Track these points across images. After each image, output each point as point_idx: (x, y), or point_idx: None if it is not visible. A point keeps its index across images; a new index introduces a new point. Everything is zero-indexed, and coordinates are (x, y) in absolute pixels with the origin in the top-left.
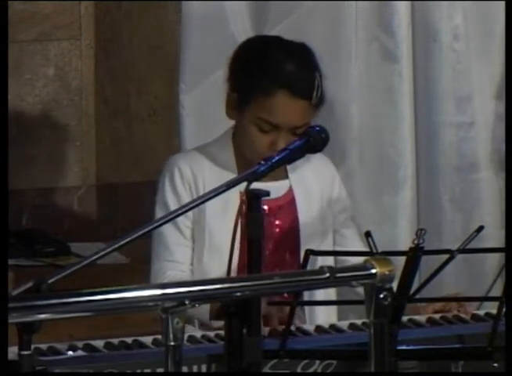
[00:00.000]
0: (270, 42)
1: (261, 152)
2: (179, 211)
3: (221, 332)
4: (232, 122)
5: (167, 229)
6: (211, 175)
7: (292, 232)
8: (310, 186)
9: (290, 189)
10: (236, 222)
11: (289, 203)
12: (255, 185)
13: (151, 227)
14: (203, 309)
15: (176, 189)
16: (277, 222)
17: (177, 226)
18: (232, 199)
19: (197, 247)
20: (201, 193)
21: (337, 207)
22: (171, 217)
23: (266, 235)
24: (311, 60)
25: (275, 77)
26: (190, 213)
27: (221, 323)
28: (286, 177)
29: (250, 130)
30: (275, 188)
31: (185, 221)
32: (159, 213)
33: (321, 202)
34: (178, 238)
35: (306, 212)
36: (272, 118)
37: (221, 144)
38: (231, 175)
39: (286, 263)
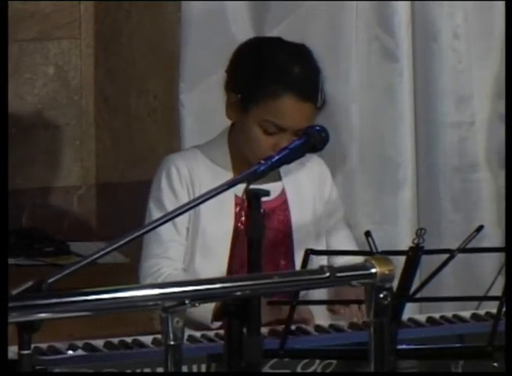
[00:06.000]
0: (273, 44)
1: (263, 153)
2: (180, 210)
3: (221, 331)
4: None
5: (164, 226)
6: (207, 175)
7: (285, 234)
8: (303, 187)
9: (283, 191)
10: (236, 225)
11: (282, 205)
12: None
13: (151, 227)
14: (206, 311)
15: (174, 188)
16: (270, 225)
17: (174, 223)
18: (227, 201)
19: (190, 247)
20: (197, 192)
21: (328, 208)
22: (173, 215)
23: None
24: (314, 62)
25: (282, 80)
26: (188, 212)
27: (219, 324)
28: (279, 179)
29: (255, 131)
30: (268, 190)
31: (182, 219)
32: (154, 211)
33: (313, 204)
34: (174, 235)
35: (299, 214)
36: (279, 121)
37: (217, 144)
38: (227, 175)
39: (279, 266)
